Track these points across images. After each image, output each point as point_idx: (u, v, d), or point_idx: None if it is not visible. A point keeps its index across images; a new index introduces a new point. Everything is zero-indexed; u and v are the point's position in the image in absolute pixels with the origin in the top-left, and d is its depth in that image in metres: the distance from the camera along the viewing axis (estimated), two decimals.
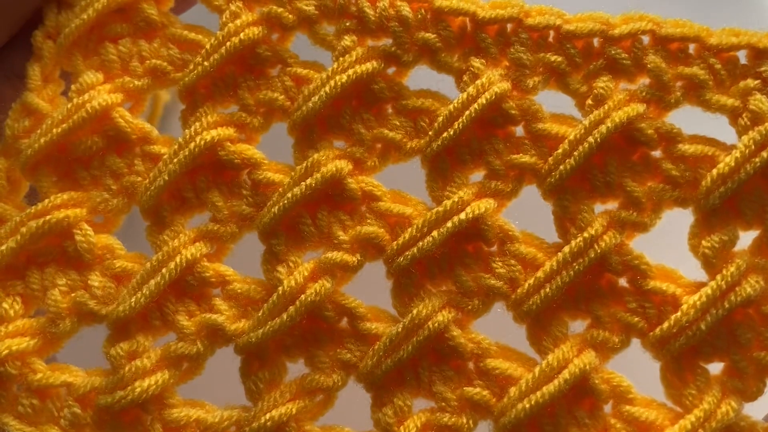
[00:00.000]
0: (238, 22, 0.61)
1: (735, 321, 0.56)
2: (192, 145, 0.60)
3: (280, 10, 0.61)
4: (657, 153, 0.58)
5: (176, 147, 0.60)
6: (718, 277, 0.55)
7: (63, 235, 0.61)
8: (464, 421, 0.57)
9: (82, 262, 0.61)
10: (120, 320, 0.59)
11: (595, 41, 0.59)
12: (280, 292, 0.58)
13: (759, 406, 0.57)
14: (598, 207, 0.58)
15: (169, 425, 0.58)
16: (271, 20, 0.61)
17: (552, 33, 0.59)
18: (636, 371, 0.58)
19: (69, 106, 0.61)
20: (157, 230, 0.61)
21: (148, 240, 0.61)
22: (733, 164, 0.55)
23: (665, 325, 0.55)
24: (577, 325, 0.58)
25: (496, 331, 0.59)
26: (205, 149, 0.60)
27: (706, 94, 0.57)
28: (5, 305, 0.60)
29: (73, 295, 0.60)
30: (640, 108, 0.57)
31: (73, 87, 0.62)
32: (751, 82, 0.56)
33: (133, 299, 0.58)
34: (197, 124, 0.60)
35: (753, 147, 0.55)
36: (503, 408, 0.56)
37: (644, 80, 0.58)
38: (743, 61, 0.57)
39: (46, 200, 0.61)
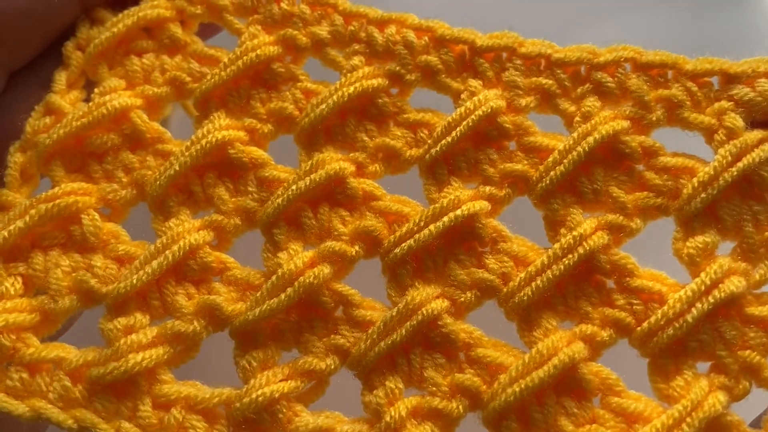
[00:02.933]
0: (256, 41, 0.67)
1: (719, 318, 0.59)
2: (204, 141, 0.64)
3: (295, 33, 0.68)
4: (640, 166, 0.63)
5: (189, 143, 0.65)
6: (702, 273, 0.59)
7: (70, 219, 0.64)
8: (454, 405, 0.59)
9: (86, 245, 0.64)
10: (120, 296, 0.61)
11: (582, 69, 0.65)
12: (280, 274, 0.61)
13: (748, 411, 0.59)
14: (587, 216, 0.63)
15: (159, 399, 0.60)
16: (287, 42, 0.68)
17: (543, 61, 0.66)
18: (625, 377, 0.60)
19: (90, 104, 0.66)
20: (163, 219, 0.65)
21: (154, 228, 0.65)
22: (712, 172, 0.60)
23: (653, 318, 0.58)
24: (567, 326, 0.61)
25: (487, 332, 0.62)
26: (216, 146, 0.65)
27: (684, 113, 0.62)
28: (6, 284, 0.63)
29: (74, 274, 0.63)
30: (625, 123, 0.63)
31: (96, 90, 0.68)
32: (725, 104, 0.62)
33: (134, 277, 0.61)
34: (210, 125, 0.66)
35: (730, 158, 0.60)
36: (493, 393, 0.58)
37: (628, 104, 0.64)
38: (716, 87, 0.63)
39: (57, 187, 0.65)
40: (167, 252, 0.62)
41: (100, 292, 0.62)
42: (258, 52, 0.67)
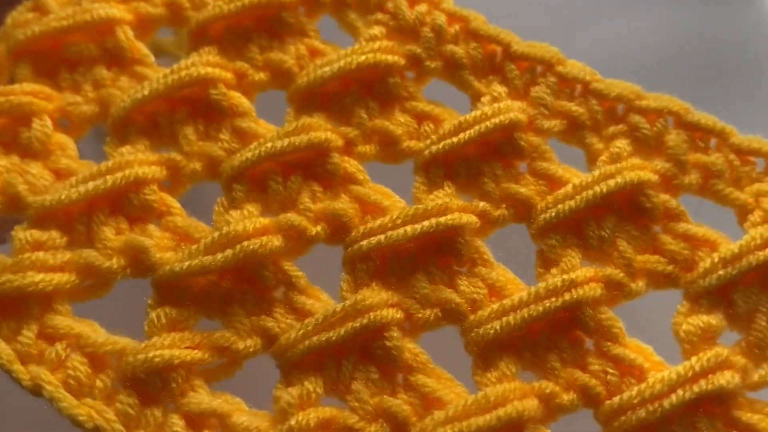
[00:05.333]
0: None
1: (700, 413, 0.51)
2: (184, 72, 0.59)
3: None
4: (657, 228, 0.57)
5: (168, 71, 0.59)
6: (694, 358, 0.52)
7: (22, 120, 0.59)
8: (372, 429, 0.51)
9: (29, 151, 0.59)
10: (43, 209, 0.55)
11: (620, 108, 0.59)
12: (223, 232, 0.54)
13: None
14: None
15: (45, 330, 0.53)
16: None
17: (580, 86, 0.60)
18: None
19: (76, 8, 0.61)
20: (118, 143, 0.59)
21: (105, 150, 0.59)
22: (737, 251, 0.54)
23: (626, 394, 0.51)
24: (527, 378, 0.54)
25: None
26: (197, 81, 0.59)
27: (719, 184, 0.57)
28: None
29: (6, 175, 0.57)
30: (654, 176, 0.57)
31: None
32: (766, 185, 0.57)
33: (64, 193, 0.55)
34: (197, 57, 0.60)
35: (759, 241, 0.54)
36: (422, 429, 0.50)
37: (660, 160, 0.58)
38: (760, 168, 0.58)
39: (17, 84, 0.60)
40: (108, 177, 0.56)
41: (26, 201, 0.56)
42: None
